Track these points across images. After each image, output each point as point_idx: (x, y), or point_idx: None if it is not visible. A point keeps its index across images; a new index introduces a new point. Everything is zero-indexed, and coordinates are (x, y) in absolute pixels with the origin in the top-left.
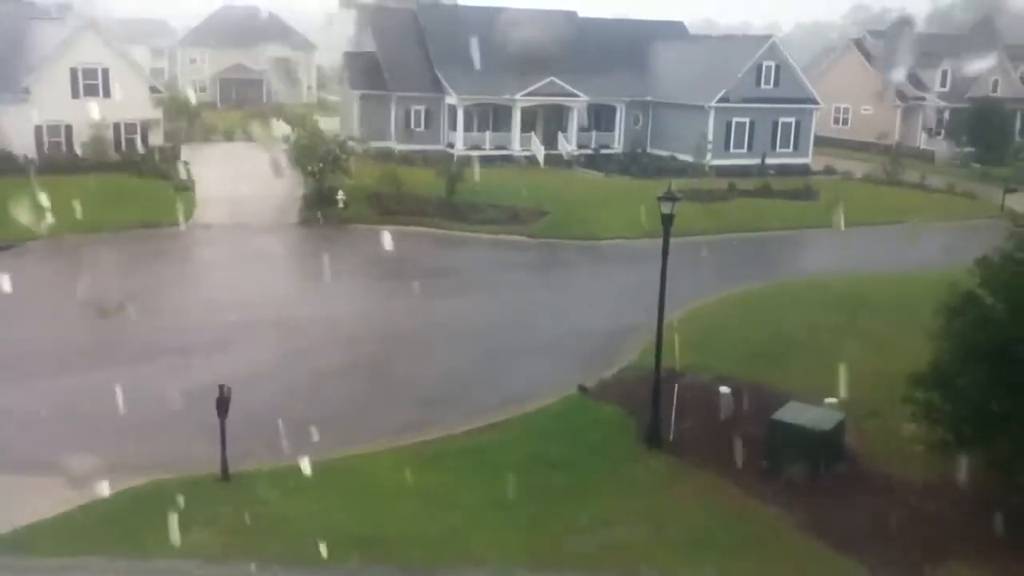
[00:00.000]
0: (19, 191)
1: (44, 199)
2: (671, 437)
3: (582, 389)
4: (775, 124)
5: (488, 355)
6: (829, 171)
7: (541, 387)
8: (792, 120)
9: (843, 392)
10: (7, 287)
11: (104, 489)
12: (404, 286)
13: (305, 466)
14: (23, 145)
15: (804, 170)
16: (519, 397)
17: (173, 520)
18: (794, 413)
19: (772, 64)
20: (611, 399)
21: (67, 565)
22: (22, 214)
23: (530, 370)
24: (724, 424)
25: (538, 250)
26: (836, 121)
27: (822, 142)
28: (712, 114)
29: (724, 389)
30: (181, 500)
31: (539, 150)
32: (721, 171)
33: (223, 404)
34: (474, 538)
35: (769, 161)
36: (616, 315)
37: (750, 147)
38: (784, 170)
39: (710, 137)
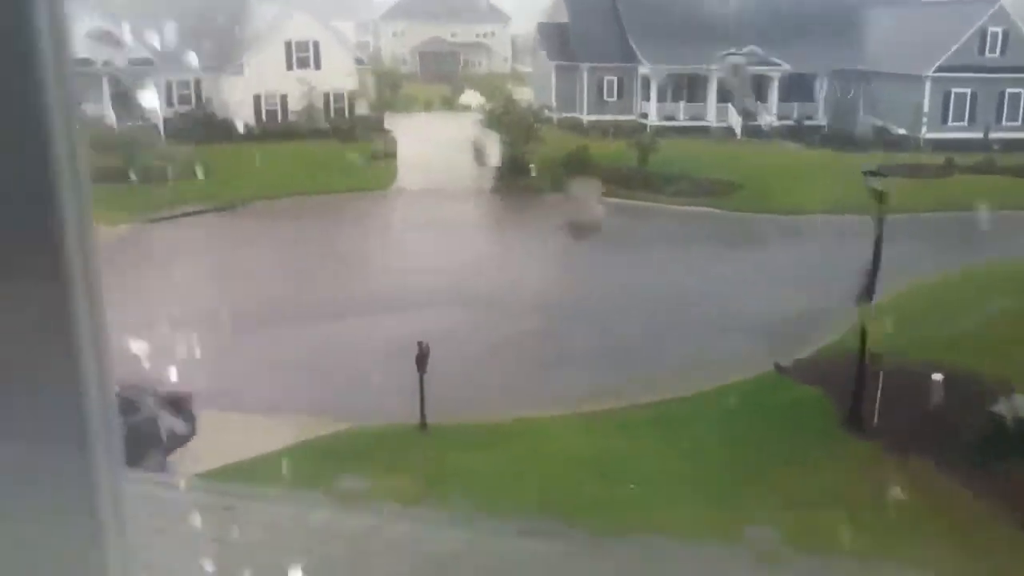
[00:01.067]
0: (240, 156)
1: (261, 164)
2: (874, 422)
3: (778, 368)
4: (1001, 95)
5: (677, 328)
6: None
7: (732, 363)
8: (1021, 91)
9: None
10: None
11: (322, 429)
12: (592, 255)
13: (496, 424)
14: (243, 114)
15: None
16: (708, 372)
17: (373, 463)
18: (1016, 406)
19: (999, 30)
20: (809, 379)
21: (280, 496)
22: (243, 177)
23: (721, 345)
24: (933, 412)
25: (731, 223)
26: None
27: None
28: (928, 84)
29: (936, 376)
30: (382, 445)
31: (736, 121)
32: (938, 145)
33: (422, 360)
34: (658, 510)
35: (993, 135)
36: (814, 293)
37: (971, 120)
38: (1011, 145)
39: (926, 108)
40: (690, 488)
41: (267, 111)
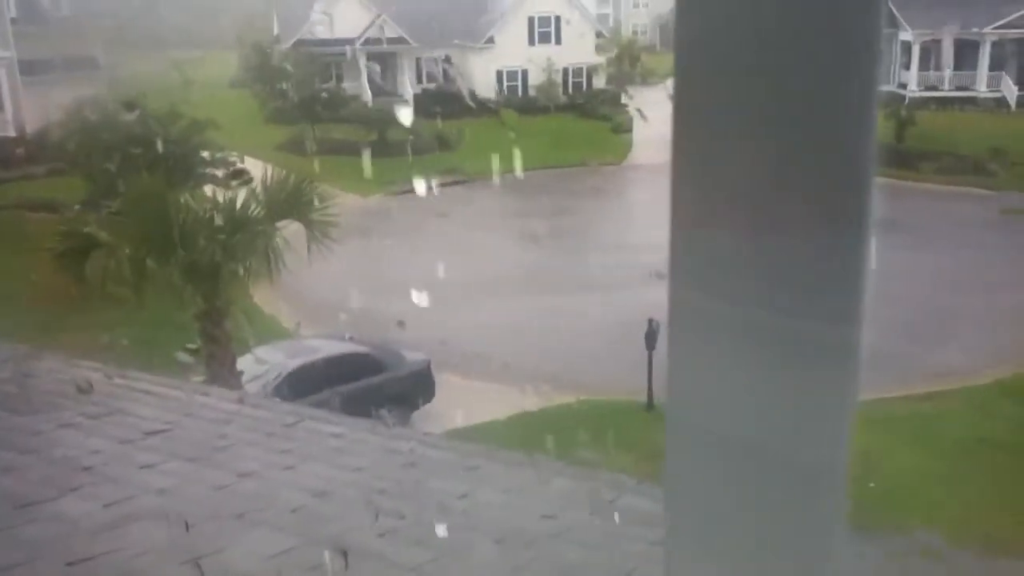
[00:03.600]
0: (480, 131)
1: (500, 138)
2: None
3: None
4: None
5: (934, 317)
6: None
7: (999, 356)
8: None
9: None
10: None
11: (551, 399)
12: None
13: None
14: (484, 89)
15: None
16: (970, 365)
17: (599, 437)
18: None
19: None
20: None
21: (517, 459)
22: (482, 151)
23: (985, 337)
24: None
25: (1006, 205)
26: None
27: None
28: None
29: None
30: (609, 420)
31: (1011, 91)
32: None
33: (652, 337)
34: (908, 507)
35: None
36: None
37: None
38: None
39: None
40: (938, 488)
41: (508, 86)
